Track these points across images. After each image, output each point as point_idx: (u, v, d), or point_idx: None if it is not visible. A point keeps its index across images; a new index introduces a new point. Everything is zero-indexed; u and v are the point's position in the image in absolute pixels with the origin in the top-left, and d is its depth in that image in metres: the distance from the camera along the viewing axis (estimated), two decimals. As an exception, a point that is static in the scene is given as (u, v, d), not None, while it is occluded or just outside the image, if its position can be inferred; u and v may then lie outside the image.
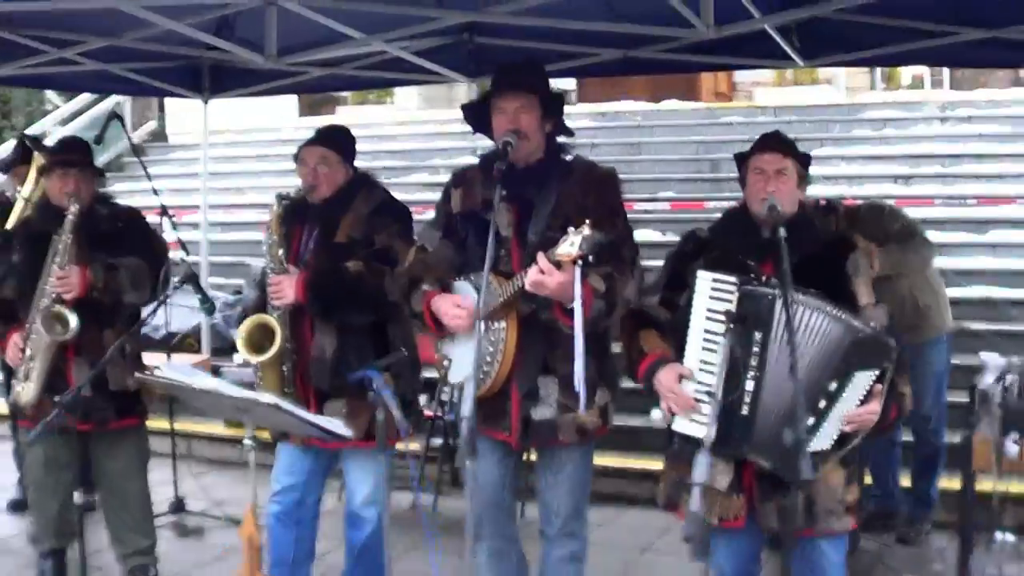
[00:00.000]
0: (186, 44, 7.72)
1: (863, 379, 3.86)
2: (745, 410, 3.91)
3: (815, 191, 11.81)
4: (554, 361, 4.36)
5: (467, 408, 3.82)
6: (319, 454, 5.08)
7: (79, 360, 5.44)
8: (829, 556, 4.10)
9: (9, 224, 6.13)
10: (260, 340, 4.92)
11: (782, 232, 3.80)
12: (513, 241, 4.40)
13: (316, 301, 4.88)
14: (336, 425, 4.08)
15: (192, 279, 5.16)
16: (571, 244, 3.89)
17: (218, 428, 9.36)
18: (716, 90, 23.42)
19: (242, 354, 4.93)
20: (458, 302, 4.41)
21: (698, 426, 3.99)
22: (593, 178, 4.47)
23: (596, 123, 15.60)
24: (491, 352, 4.33)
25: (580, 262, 3.90)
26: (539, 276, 4.04)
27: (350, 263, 4.91)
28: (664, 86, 16.37)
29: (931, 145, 13.31)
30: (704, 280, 4.02)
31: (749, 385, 3.90)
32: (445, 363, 4.55)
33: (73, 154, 5.59)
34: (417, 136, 16.39)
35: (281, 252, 4.96)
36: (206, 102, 9.39)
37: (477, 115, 4.58)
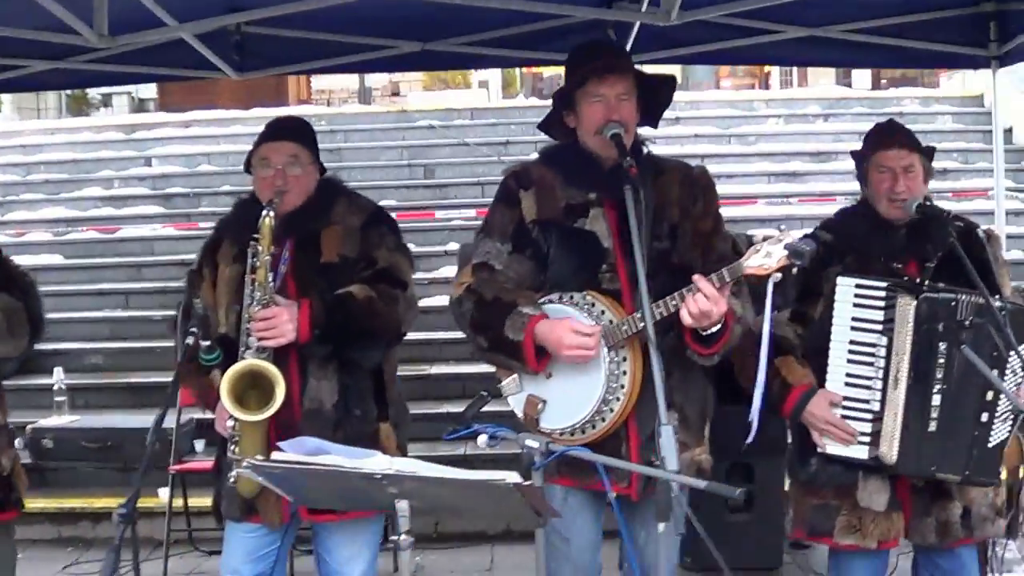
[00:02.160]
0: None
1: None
2: (933, 426, 3.67)
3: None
4: (671, 394, 3.67)
5: (672, 461, 3.14)
6: (288, 532, 4.07)
7: None
8: (968, 565, 3.97)
9: None
10: (242, 392, 3.81)
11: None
12: (617, 253, 3.67)
13: (324, 339, 3.84)
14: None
15: (204, 322, 3.79)
16: (766, 255, 3.37)
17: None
18: (299, 96, 22.88)
19: (231, 410, 3.77)
20: (576, 327, 3.58)
21: (856, 447, 3.75)
22: (693, 179, 3.89)
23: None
24: (611, 388, 3.63)
25: (778, 276, 3.37)
26: (706, 304, 3.43)
27: (353, 288, 3.89)
28: (255, 93, 15.41)
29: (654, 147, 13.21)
30: (847, 287, 3.73)
31: (936, 399, 3.66)
32: (540, 406, 3.72)
33: None
34: (73, 145, 14.50)
35: (271, 278, 3.81)
36: None
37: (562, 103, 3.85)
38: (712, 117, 14.79)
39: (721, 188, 11.68)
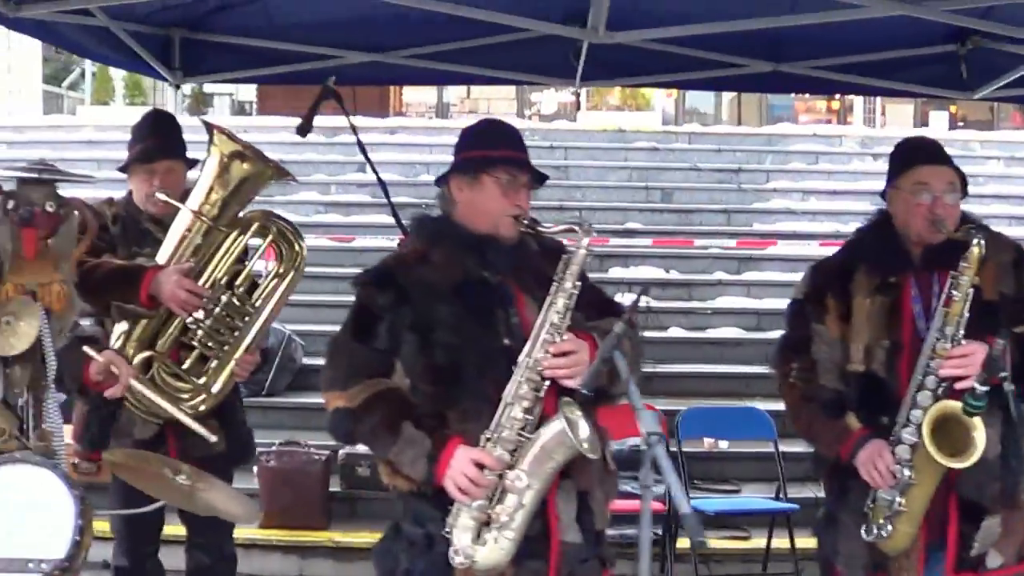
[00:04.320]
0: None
1: None
2: None
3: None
4: None
5: None
6: None
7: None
8: None
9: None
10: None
11: None
12: None
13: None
14: None
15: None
16: None
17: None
18: (395, 108, 22.49)
19: (937, 456, 3.57)
20: None
21: None
22: None
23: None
24: None
25: None
26: None
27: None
28: (360, 103, 14.38)
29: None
30: None
31: None
32: None
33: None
34: (272, 145, 13.89)
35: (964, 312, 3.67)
36: (177, 87, 6.77)
37: None
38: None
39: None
